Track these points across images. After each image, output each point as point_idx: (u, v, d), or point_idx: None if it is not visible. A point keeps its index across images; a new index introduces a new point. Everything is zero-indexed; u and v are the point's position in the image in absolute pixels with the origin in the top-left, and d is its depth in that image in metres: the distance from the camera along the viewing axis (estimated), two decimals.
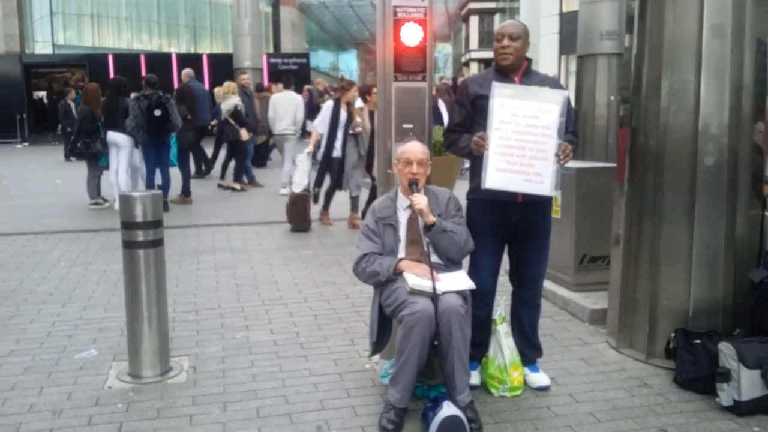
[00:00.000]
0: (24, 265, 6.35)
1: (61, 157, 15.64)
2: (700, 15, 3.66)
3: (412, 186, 3.34)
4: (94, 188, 9.58)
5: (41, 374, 3.87)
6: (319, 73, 33.94)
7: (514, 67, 3.49)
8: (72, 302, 5.21)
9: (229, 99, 10.99)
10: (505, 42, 3.44)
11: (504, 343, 3.59)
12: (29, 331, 4.58)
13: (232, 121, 10.82)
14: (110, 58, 21.61)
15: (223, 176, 11.41)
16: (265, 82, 18.40)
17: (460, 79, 18.44)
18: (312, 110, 13.17)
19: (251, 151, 11.75)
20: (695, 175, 3.73)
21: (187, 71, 11.91)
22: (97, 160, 9.43)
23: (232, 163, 11.54)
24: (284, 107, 10.60)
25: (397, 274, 3.32)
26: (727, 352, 3.34)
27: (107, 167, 9.38)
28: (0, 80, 21.20)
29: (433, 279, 3.19)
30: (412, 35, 3.70)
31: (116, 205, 8.17)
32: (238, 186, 11.06)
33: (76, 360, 4.08)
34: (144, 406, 3.46)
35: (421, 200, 3.29)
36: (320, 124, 7.94)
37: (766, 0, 3.79)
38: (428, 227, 3.30)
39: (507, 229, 3.57)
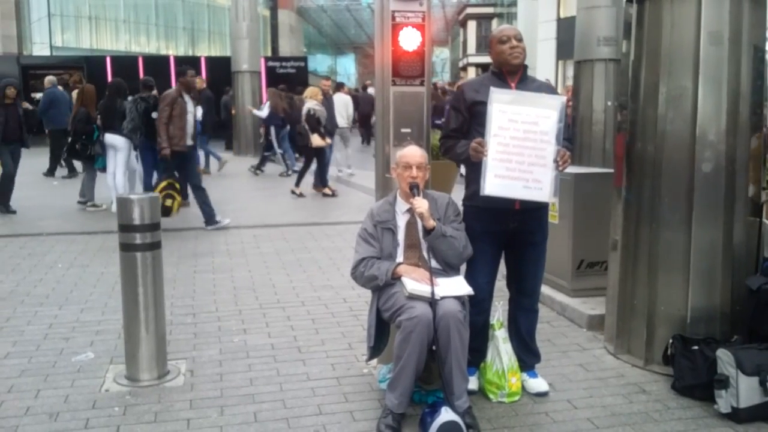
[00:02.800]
0: (21, 267, 6.34)
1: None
2: (697, 22, 3.68)
3: (413, 190, 3.35)
4: (92, 191, 9.56)
5: (38, 377, 3.86)
6: (317, 76, 33.92)
7: (515, 71, 3.50)
8: (69, 305, 5.20)
9: (306, 104, 10.99)
10: (514, 42, 3.44)
11: (502, 348, 3.58)
12: (26, 334, 4.57)
13: (306, 126, 10.71)
14: (108, 60, 21.56)
15: (298, 183, 11.00)
16: (263, 86, 18.46)
17: (440, 84, 18.51)
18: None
19: (329, 157, 11.47)
20: (693, 181, 3.73)
21: (50, 78, 12.39)
22: (93, 161, 9.41)
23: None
24: (338, 106, 12.75)
25: (396, 278, 3.31)
26: (725, 359, 3.34)
27: (103, 170, 9.37)
28: None
29: (431, 284, 3.19)
30: (410, 40, 3.70)
31: (114, 208, 8.15)
32: (329, 191, 10.84)
33: (73, 363, 4.07)
34: (141, 410, 3.45)
35: (422, 204, 3.29)
36: None
37: (763, 7, 3.81)
38: (428, 232, 3.31)
39: (504, 236, 3.56)
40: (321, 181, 11.11)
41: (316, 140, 10.64)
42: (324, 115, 10.93)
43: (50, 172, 12.94)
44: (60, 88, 13.08)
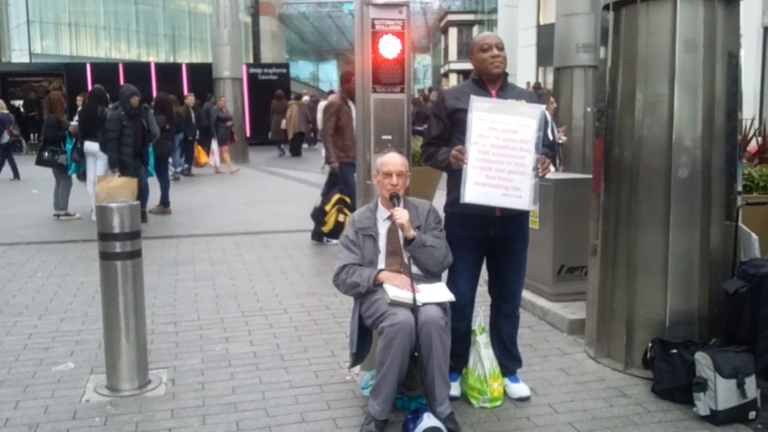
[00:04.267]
0: (0, 277, 6.28)
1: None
2: (672, 29, 3.73)
3: (394, 199, 3.36)
4: (66, 199, 9.43)
5: (17, 387, 3.82)
6: (299, 83, 33.89)
7: (495, 79, 3.52)
8: (49, 314, 5.15)
9: None
10: (495, 51, 3.47)
11: (484, 353, 3.60)
12: (5, 344, 4.52)
13: None
14: (88, 67, 21.40)
15: None
16: (245, 93, 18.45)
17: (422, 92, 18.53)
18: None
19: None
20: (669, 186, 3.78)
21: None
22: (65, 169, 9.30)
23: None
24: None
25: (377, 285, 3.32)
26: (703, 362, 3.39)
27: (80, 176, 9.29)
28: None
29: (413, 290, 3.20)
30: (390, 47, 3.73)
31: (93, 216, 8.08)
32: None
33: (53, 373, 4.03)
34: (122, 420, 3.43)
35: (402, 214, 3.30)
36: None
37: (737, 14, 3.87)
38: (408, 241, 3.32)
39: (485, 243, 3.58)
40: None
41: None
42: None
43: None
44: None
